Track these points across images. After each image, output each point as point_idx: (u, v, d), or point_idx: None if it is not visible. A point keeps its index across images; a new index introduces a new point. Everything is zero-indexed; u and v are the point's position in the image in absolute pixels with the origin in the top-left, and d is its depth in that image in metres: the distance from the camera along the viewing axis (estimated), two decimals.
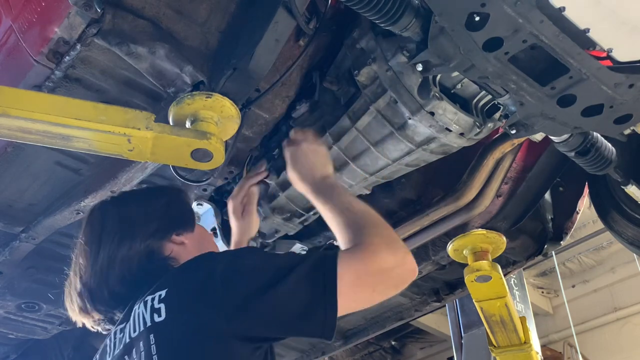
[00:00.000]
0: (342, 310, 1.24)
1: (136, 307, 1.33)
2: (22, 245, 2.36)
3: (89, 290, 1.43)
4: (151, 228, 1.48)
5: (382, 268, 1.28)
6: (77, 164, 2.12)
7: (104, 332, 1.48)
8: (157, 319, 1.26)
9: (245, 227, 2.00)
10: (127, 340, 1.32)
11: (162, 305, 1.26)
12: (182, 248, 1.50)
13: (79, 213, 2.14)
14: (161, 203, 1.57)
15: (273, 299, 1.21)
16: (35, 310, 2.82)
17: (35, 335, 3.08)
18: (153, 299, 1.29)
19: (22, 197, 2.24)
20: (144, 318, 1.29)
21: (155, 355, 1.23)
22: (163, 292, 1.29)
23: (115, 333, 1.40)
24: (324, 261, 1.27)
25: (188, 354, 1.23)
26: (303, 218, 2.26)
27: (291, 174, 1.68)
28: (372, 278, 1.28)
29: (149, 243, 1.46)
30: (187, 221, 1.58)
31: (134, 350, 1.29)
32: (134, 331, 1.31)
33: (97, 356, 1.46)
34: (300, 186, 1.66)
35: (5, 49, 1.75)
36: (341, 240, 1.40)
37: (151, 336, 1.25)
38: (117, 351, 1.35)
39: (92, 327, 1.49)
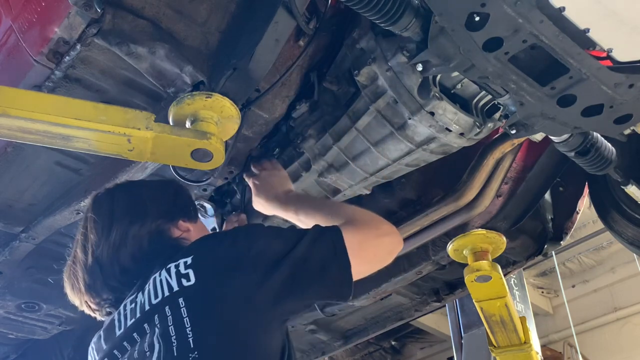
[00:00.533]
0: (353, 271, 1.35)
1: (155, 275, 1.35)
2: (22, 245, 2.36)
3: (100, 266, 1.44)
4: (162, 209, 1.53)
5: (378, 234, 1.47)
6: (77, 164, 2.12)
7: (102, 318, 1.49)
8: (185, 283, 1.29)
9: None
10: (147, 307, 1.32)
11: (190, 271, 1.30)
12: (187, 234, 1.55)
13: (79, 213, 2.14)
14: (170, 191, 1.64)
15: (294, 261, 1.30)
16: (35, 310, 2.82)
17: (35, 335, 3.08)
18: (177, 266, 1.32)
19: (22, 197, 2.24)
20: (168, 284, 1.31)
21: (187, 318, 1.25)
22: (189, 259, 1.32)
23: (124, 306, 1.40)
24: (328, 229, 1.41)
25: (221, 317, 1.26)
26: None
27: (256, 202, 1.87)
28: (372, 242, 1.45)
29: (160, 223, 1.50)
30: (193, 211, 1.65)
31: (156, 316, 1.29)
32: (156, 297, 1.31)
33: (102, 333, 1.44)
34: (268, 209, 1.84)
35: (5, 49, 1.75)
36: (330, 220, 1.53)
37: (180, 300, 1.27)
38: (130, 321, 1.35)
39: (94, 308, 1.48)
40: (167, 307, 1.28)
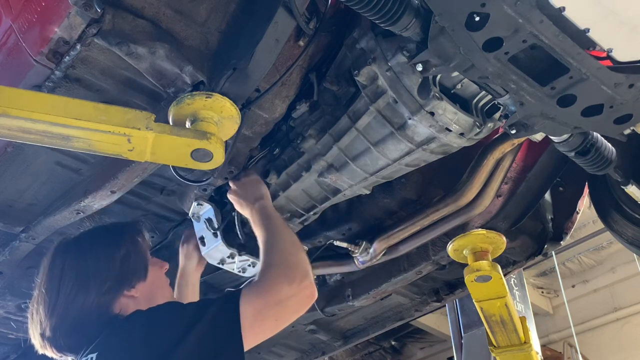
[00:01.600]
0: (249, 344, 1.41)
1: None
2: (22, 245, 2.36)
3: (46, 337, 1.55)
4: (105, 286, 1.58)
5: (279, 299, 1.47)
6: (77, 164, 2.12)
7: None
8: None
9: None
10: None
11: None
12: (132, 300, 1.61)
13: (79, 213, 2.13)
14: (120, 256, 1.65)
15: (187, 349, 1.35)
16: None
17: None
18: None
19: (22, 197, 2.23)
20: None
21: None
22: (94, 356, 1.43)
23: None
24: (227, 304, 1.44)
25: None
26: (303, 218, 2.26)
27: (236, 205, 2.03)
28: (271, 310, 1.46)
29: (101, 300, 1.56)
30: (140, 272, 1.68)
31: None
32: None
33: None
34: (245, 214, 2.00)
35: (5, 49, 1.75)
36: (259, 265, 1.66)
37: None
38: None
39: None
40: None
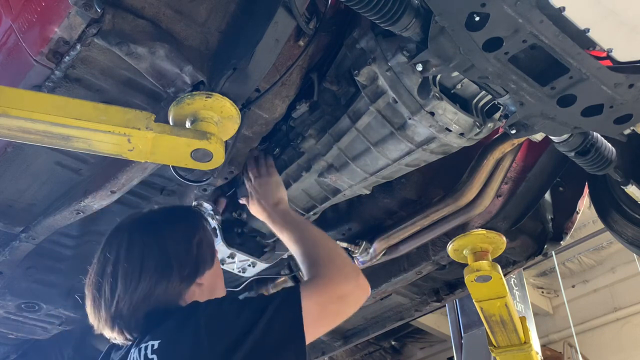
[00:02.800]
0: (310, 338, 1.40)
1: (133, 350, 1.44)
2: (22, 245, 2.36)
3: (122, 317, 1.50)
4: (185, 272, 1.55)
5: (341, 295, 1.49)
6: (77, 164, 2.11)
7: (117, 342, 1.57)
8: None
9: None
10: None
11: (155, 357, 1.38)
12: (199, 289, 1.58)
13: (79, 213, 2.13)
14: (196, 241, 1.63)
15: (250, 345, 1.34)
16: (35, 310, 2.82)
17: (35, 335, 3.07)
18: (147, 348, 1.40)
19: (22, 197, 2.23)
20: None
21: None
22: (156, 344, 1.40)
23: None
24: (289, 299, 1.44)
25: None
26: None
27: (252, 208, 1.97)
28: (333, 305, 1.48)
29: (182, 285, 1.54)
30: (210, 259, 1.65)
31: None
32: None
33: None
34: (259, 216, 1.94)
35: (5, 49, 1.75)
36: (301, 267, 1.62)
37: None
38: None
39: (110, 338, 1.56)
40: None
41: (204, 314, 1.43)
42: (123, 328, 1.50)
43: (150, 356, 1.38)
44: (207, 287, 1.60)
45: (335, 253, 1.63)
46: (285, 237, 1.77)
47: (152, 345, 1.39)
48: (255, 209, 1.96)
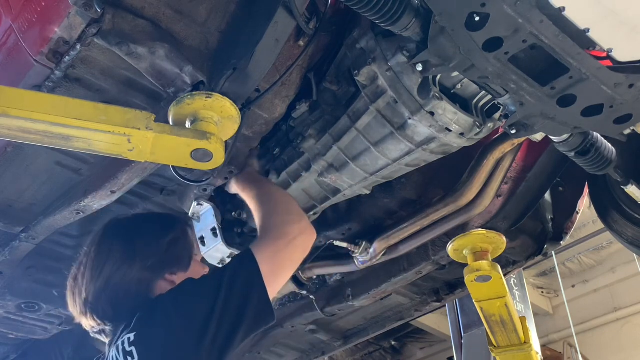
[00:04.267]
0: (273, 290, 1.52)
1: (112, 349, 1.49)
2: (22, 245, 2.36)
3: (89, 302, 1.59)
4: (149, 262, 1.63)
5: (288, 240, 1.60)
6: (77, 164, 2.11)
7: (102, 342, 1.65)
8: None
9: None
10: None
11: (133, 348, 1.43)
12: (170, 286, 1.63)
13: (79, 213, 2.13)
14: (167, 239, 1.72)
15: (218, 316, 1.41)
16: (35, 310, 2.82)
17: (35, 335, 3.07)
18: (123, 342, 1.45)
19: (22, 197, 2.23)
20: None
21: None
22: (132, 335, 1.45)
23: None
24: (243, 259, 1.55)
25: None
26: None
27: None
28: (284, 252, 1.59)
29: (143, 275, 1.61)
30: (184, 261, 1.73)
31: None
32: None
33: None
34: (232, 188, 2.04)
35: (5, 49, 1.75)
36: (258, 229, 1.72)
37: None
38: None
39: (87, 328, 1.64)
40: None
41: (169, 298, 1.52)
42: (93, 313, 1.58)
43: (128, 349, 1.43)
44: None
45: (280, 206, 1.75)
46: (251, 204, 1.87)
47: (129, 338, 1.45)
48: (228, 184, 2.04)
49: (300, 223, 1.67)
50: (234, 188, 2.02)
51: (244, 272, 1.51)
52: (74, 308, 1.63)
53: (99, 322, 1.58)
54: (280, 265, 1.57)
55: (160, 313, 1.49)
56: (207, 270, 1.85)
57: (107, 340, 1.60)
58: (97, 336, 1.63)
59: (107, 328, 1.58)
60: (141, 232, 1.73)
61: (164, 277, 1.64)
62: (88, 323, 1.61)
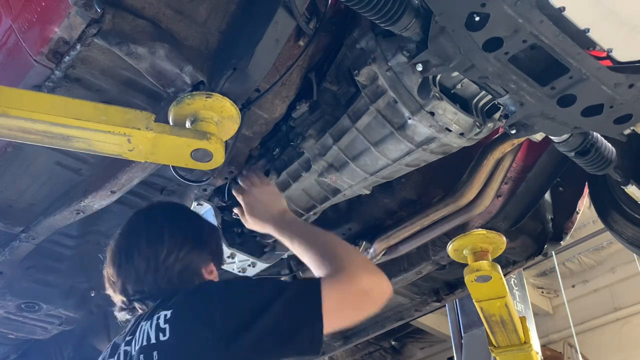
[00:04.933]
0: (328, 328, 1.35)
1: (143, 323, 1.43)
2: (22, 245, 2.36)
3: (132, 282, 1.57)
4: (203, 250, 1.64)
5: (363, 289, 1.41)
6: (77, 164, 2.12)
7: (122, 319, 1.63)
8: (161, 337, 1.36)
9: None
10: (133, 353, 1.41)
11: (167, 326, 1.37)
12: (211, 277, 1.64)
13: (79, 213, 2.13)
14: (217, 235, 1.78)
15: (265, 323, 1.32)
16: (35, 310, 2.82)
17: (35, 335, 3.08)
18: (159, 318, 1.40)
19: (22, 197, 2.23)
20: (148, 335, 1.39)
21: None
22: (168, 313, 1.39)
23: (124, 344, 1.49)
24: (308, 285, 1.41)
25: None
26: (303, 218, 2.26)
27: (251, 221, 1.86)
28: (354, 298, 1.41)
29: (193, 262, 1.60)
30: (220, 260, 1.75)
31: None
32: (137, 345, 1.41)
33: None
34: (263, 228, 1.83)
35: (5, 49, 1.75)
36: (318, 271, 1.50)
37: (154, 353, 1.36)
38: None
39: (119, 305, 1.62)
40: (142, 355, 1.37)
41: (217, 288, 1.48)
42: (136, 293, 1.55)
43: (162, 325, 1.38)
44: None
45: (354, 251, 1.65)
46: (297, 246, 1.66)
47: (165, 315, 1.39)
48: (256, 222, 1.84)
49: (382, 276, 1.47)
50: (276, 231, 1.78)
51: (305, 297, 1.38)
52: (112, 286, 1.60)
53: (140, 303, 1.55)
54: (345, 309, 1.41)
55: (203, 299, 1.42)
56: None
57: (131, 316, 1.58)
58: (122, 312, 1.60)
59: (140, 305, 1.55)
60: (195, 221, 1.75)
61: (205, 268, 1.63)
62: (120, 298, 1.58)
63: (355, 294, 1.41)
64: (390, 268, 2.65)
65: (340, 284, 1.40)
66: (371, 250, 2.50)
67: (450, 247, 2.43)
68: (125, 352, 1.45)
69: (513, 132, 1.60)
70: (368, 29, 1.74)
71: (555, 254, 6.63)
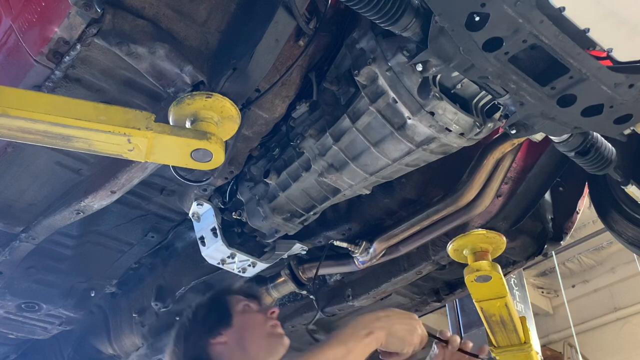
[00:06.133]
0: None
1: None
2: (22, 245, 2.36)
3: None
4: (204, 327, 1.72)
5: None
6: (77, 164, 2.12)
7: None
8: None
9: None
10: None
11: None
12: (225, 347, 1.68)
13: (79, 213, 2.14)
14: (204, 311, 1.80)
15: None
16: (35, 310, 2.82)
17: (35, 335, 3.08)
18: None
19: (22, 197, 2.24)
20: None
21: None
22: None
23: None
24: None
25: None
26: (303, 218, 2.26)
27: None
28: None
29: (195, 349, 1.68)
30: (228, 316, 1.75)
31: None
32: None
33: None
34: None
35: (5, 49, 1.75)
36: None
37: None
38: None
39: None
40: None
41: None
42: None
43: None
44: (235, 343, 1.70)
45: None
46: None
47: None
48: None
49: None
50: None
51: None
52: None
53: None
54: None
55: None
56: (274, 314, 1.84)
57: None
58: None
59: None
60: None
61: (210, 343, 1.69)
62: None
63: None
64: (390, 268, 2.65)
65: None
66: (371, 250, 2.50)
67: (450, 247, 2.42)
68: None
69: (513, 132, 1.60)
70: (368, 29, 1.74)
71: (555, 254, 6.64)
